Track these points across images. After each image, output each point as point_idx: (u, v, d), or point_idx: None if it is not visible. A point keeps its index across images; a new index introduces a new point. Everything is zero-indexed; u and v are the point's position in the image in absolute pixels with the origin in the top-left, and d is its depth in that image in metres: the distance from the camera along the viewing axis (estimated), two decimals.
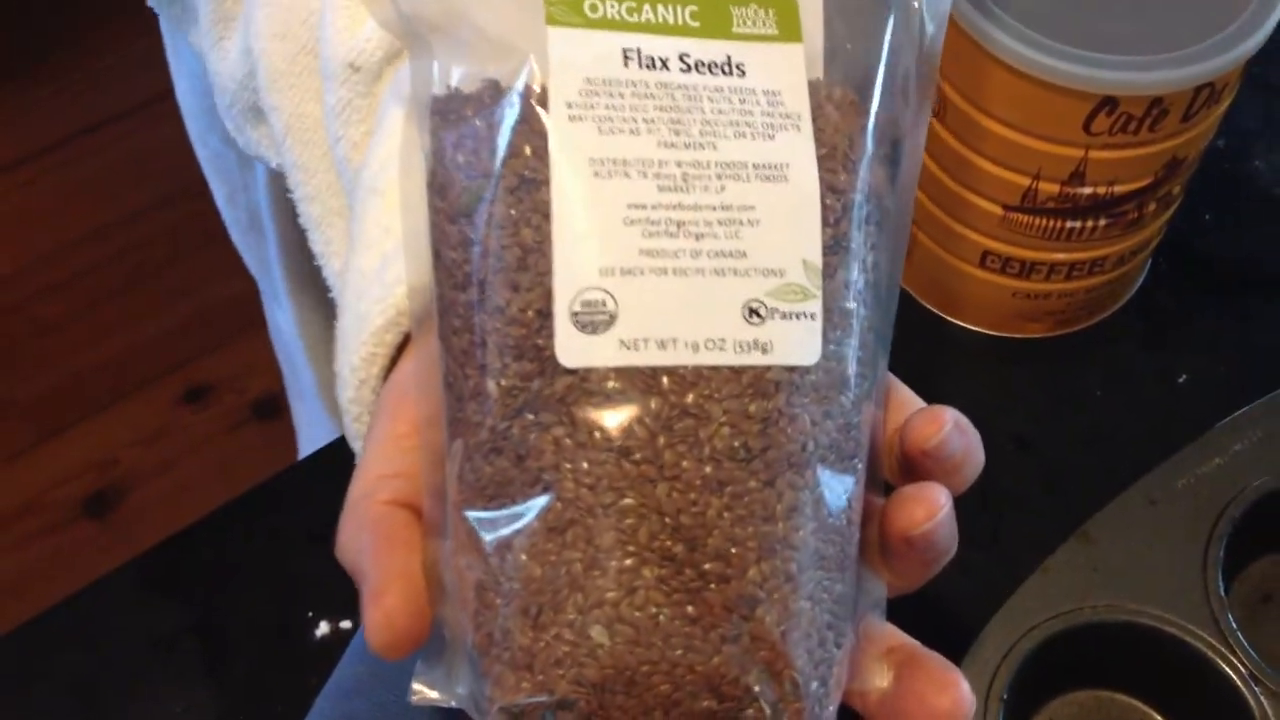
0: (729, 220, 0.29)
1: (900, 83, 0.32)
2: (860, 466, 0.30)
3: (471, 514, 0.29)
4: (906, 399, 0.33)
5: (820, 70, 0.31)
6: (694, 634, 0.28)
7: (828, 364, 0.29)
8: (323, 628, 0.54)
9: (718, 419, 0.28)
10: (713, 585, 0.28)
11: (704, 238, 0.29)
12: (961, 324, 0.61)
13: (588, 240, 0.28)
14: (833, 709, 0.30)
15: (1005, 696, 0.49)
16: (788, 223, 0.29)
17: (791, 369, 0.29)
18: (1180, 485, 0.53)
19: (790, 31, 0.31)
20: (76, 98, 1.71)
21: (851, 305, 0.30)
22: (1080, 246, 0.55)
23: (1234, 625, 0.50)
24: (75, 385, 1.51)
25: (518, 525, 0.28)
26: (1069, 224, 0.54)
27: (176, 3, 0.51)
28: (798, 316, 0.29)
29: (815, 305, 0.29)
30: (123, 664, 0.53)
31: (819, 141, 0.30)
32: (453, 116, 0.30)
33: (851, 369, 0.30)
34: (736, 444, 0.28)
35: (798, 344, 0.29)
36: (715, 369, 0.28)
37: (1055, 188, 0.52)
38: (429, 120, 0.31)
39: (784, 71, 0.30)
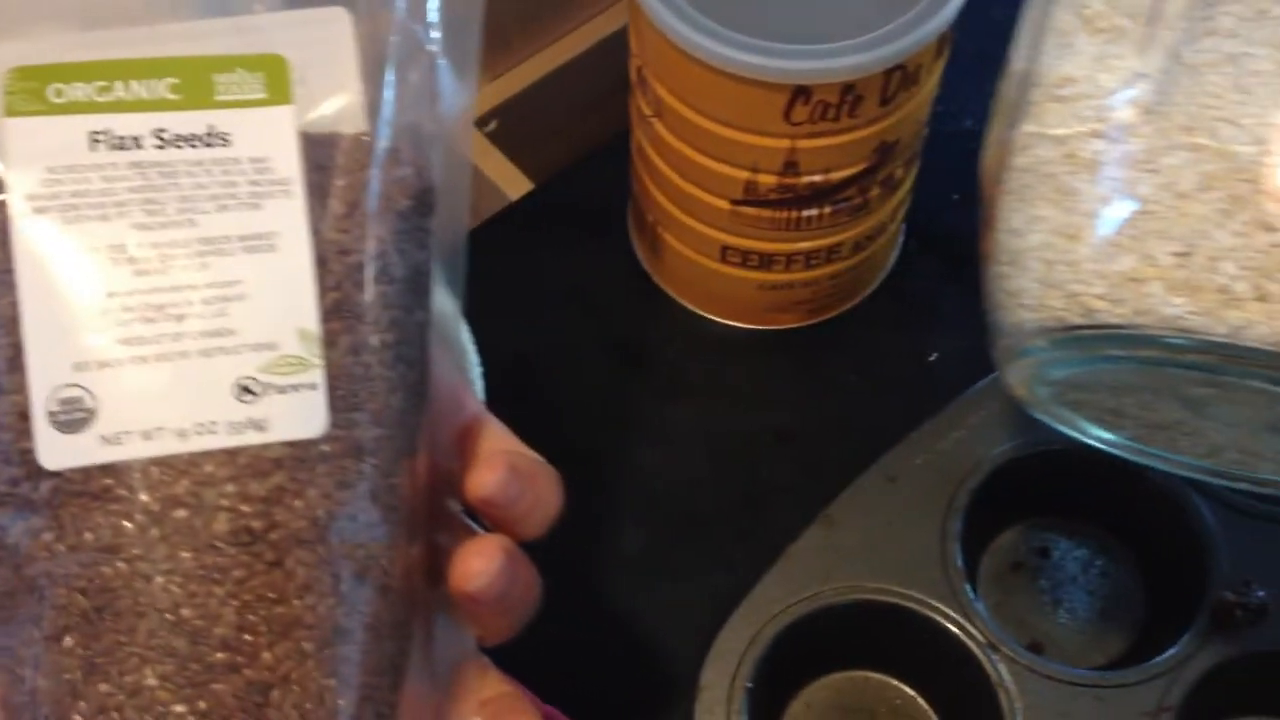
0: (215, 298, 0.28)
1: (423, 131, 0.31)
2: (396, 529, 0.30)
3: None
4: (493, 437, 0.33)
5: (363, 124, 0.31)
6: None
7: (340, 432, 0.29)
8: None
9: (213, 505, 0.28)
10: (222, 676, 0.27)
11: (187, 319, 0.28)
12: (716, 319, 0.62)
13: (60, 336, 0.28)
14: None
15: (750, 685, 0.49)
16: (278, 293, 0.29)
17: (293, 444, 0.28)
18: (919, 461, 0.54)
19: (280, 94, 0.30)
20: None
21: (365, 368, 0.29)
22: (812, 235, 0.56)
23: (972, 596, 0.50)
24: None
25: (23, 636, 0.28)
26: (796, 213, 0.55)
27: None
28: (295, 389, 0.28)
29: (316, 375, 0.29)
30: None
31: (333, 199, 0.30)
32: None
33: (372, 433, 0.29)
34: (236, 527, 0.28)
35: (298, 417, 0.28)
36: (208, 454, 0.28)
37: (773, 179, 0.53)
38: None
39: (272, 136, 0.30)
